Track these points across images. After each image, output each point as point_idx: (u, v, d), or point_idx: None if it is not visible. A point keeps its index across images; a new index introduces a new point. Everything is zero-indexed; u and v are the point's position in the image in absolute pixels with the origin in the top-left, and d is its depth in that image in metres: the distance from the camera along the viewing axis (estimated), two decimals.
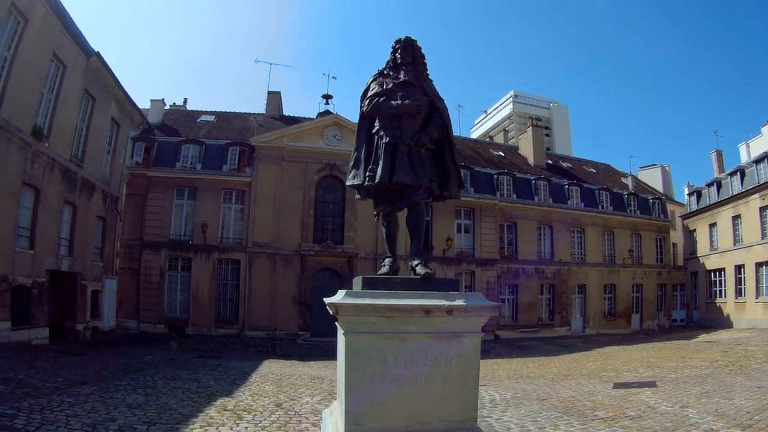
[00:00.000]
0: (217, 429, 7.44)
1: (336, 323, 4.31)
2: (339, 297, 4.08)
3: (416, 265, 4.66)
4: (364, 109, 4.97)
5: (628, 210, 35.62)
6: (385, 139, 4.70)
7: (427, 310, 4.00)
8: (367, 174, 4.76)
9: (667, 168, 39.56)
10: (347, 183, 5.06)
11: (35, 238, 18.09)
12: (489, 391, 11.28)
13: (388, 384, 3.96)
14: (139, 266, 27.05)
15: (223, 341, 24.70)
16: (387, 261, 4.98)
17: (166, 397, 9.77)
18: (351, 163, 4.97)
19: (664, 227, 37.63)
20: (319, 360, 20.63)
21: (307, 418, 8.34)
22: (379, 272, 4.86)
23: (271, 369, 16.53)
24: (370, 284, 4.33)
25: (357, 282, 4.53)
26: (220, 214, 27.30)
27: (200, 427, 7.46)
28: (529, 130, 35.68)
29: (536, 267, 30.96)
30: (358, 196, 5.17)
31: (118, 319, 26.74)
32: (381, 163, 4.64)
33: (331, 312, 4.02)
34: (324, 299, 4.27)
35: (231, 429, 7.49)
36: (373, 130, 4.91)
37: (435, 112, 4.89)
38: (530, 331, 30.07)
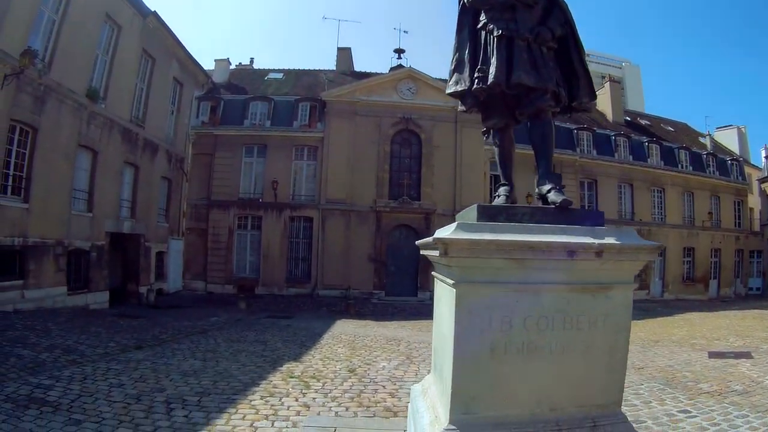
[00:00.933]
0: (280, 400, 6.14)
1: (433, 274, 3.35)
2: (448, 231, 2.77)
3: (548, 191, 3.40)
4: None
5: (707, 171, 31.25)
6: (496, 32, 3.39)
7: (571, 251, 2.74)
8: (477, 75, 3.40)
9: (743, 129, 35.25)
10: (447, 90, 3.68)
11: (93, 201, 16.54)
12: None
13: (513, 356, 2.74)
14: (206, 226, 24.55)
15: (294, 301, 21.93)
16: (502, 190, 3.82)
17: (226, 362, 8.47)
18: (451, 67, 3.68)
19: (743, 190, 33.14)
20: (394, 320, 18.29)
21: (383, 386, 7.13)
22: (494, 203, 3.50)
23: (344, 329, 14.64)
24: (488, 215, 3.01)
25: (468, 213, 3.19)
26: (291, 171, 24.35)
27: (261, 398, 6.18)
28: (607, 85, 31.34)
29: (616, 227, 27.41)
30: (461, 108, 3.78)
31: (184, 280, 24.59)
32: (494, 60, 3.32)
33: (436, 254, 2.78)
34: (418, 242, 3.32)
35: (296, 400, 6.17)
36: (479, 25, 3.55)
37: (554, 5, 3.55)
38: None
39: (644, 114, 32.67)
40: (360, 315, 19.78)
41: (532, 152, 3.57)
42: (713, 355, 10.09)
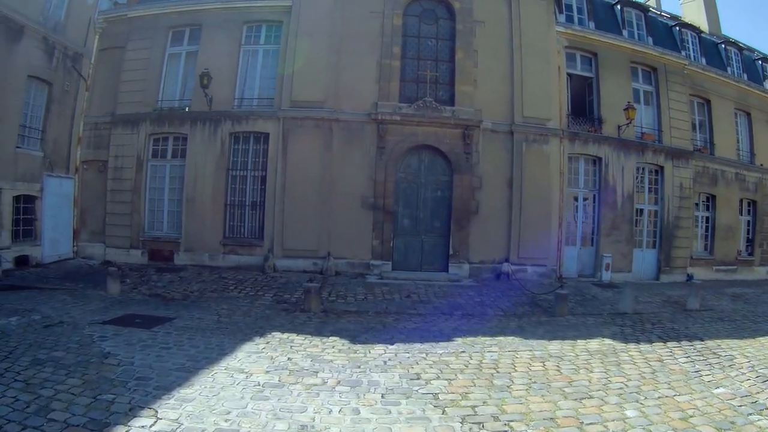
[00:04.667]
0: None
1: None
2: None
3: None
4: None
5: None
6: None
7: None
8: None
9: None
10: None
11: None
12: None
13: None
14: (108, 156, 12.25)
15: (229, 279, 9.35)
16: None
17: None
18: None
19: None
20: (398, 340, 6.08)
21: None
22: None
23: (223, 398, 3.96)
24: None
25: None
26: (239, 63, 11.11)
27: None
28: None
29: (736, 171, 13.99)
30: None
31: (79, 243, 11.38)
32: None
33: None
34: None
35: None
36: None
37: None
38: (727, 270, 13.56)
39: (734, 40, 19.74)
40: (328, 316, 7.58)
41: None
42: None
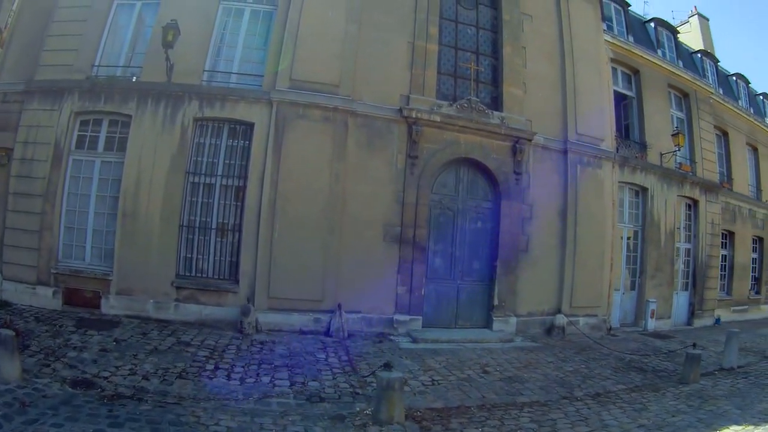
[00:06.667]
0: None
1: None
2: None
3: None
4: None
5: None
6: None
7: None
8: None
9: None
10: None
11: None
12: None
13: None
14: (14, 141, 8.19)
15: (192, 346, 5.53)
16: None
17: None
18: None
19: None
20: None
21: None
22: None
23: None
24: None
25: None
26: (215, 23, 7.70)
27: None
28: (694, 19, 16.51)
29: (749, 207, 13.10)
30: None
31: None
32: None
33: None
34: None
35: None
36: None
37: None
38: (741, 311, 12.47)
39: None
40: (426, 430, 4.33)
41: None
42: None
